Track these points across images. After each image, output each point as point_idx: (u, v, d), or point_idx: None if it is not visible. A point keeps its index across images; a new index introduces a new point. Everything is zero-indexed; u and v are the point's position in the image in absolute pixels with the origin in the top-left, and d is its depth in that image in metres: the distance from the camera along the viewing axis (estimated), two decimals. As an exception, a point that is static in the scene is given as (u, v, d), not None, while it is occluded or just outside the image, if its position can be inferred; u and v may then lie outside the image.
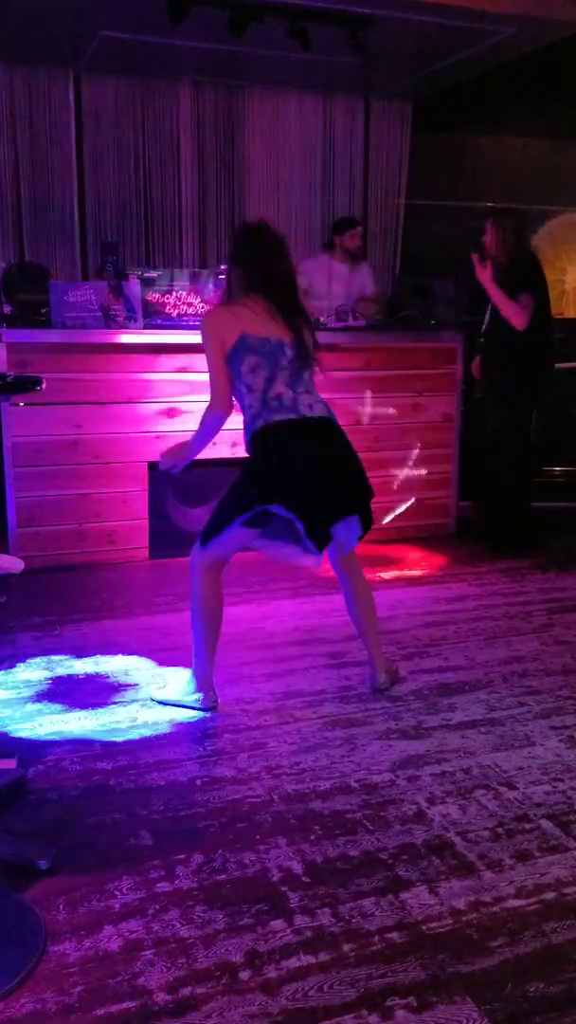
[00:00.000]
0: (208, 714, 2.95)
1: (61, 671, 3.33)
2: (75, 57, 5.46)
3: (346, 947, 1.83)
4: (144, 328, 4.75)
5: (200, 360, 4.76)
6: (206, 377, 4.97)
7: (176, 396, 4.79)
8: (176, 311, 4.86)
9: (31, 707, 3.01)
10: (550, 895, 2.01)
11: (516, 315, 4.70)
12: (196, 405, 4.83)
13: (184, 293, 4.88)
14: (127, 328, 4.69)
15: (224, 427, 5.11)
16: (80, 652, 3.52)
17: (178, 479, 4.97)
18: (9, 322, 4.63)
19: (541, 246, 7.18)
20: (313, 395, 2.92)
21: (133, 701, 3.06)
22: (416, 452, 5.36)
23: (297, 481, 2.77)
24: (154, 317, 4.82)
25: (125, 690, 3.16)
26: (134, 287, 4.77)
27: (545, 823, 2.30)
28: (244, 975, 1.76)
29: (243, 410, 2.96)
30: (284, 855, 2.15)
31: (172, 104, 5.98)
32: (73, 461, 4.65)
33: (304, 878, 2.06)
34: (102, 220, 5.90)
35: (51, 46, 5.27)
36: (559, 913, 1.95)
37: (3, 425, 4.50)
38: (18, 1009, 1.68)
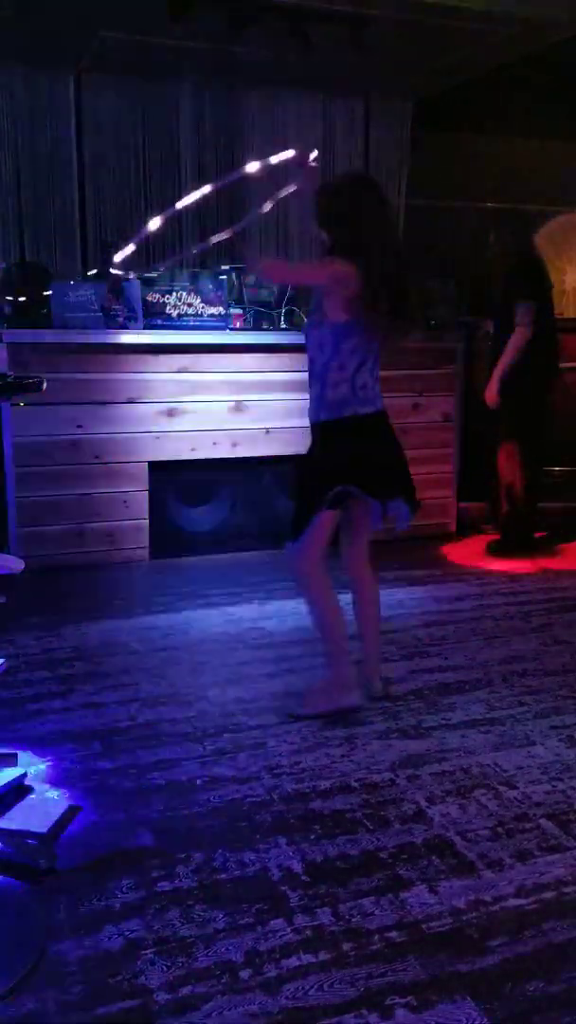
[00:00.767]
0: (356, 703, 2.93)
1: (61, 671, 3.33)
2: (75, 57, 5.46)
3: (346, 946, 1.84)
4: (144, 328, 4.75)
5: (200, 360, 4.82)
6: (206, 377, 5.01)
7: (176, 396, 4.79)
8: (176, 311, 4.86)
9: (31, 707, 3.01)
10: (550, 895, 2.01)
11: (520, 338, 4.70)
12: (196, 405, 4.84)
13: (184, 293, 4.88)
14: (127, 328, 4.69)
15: (224, 427, 5.12)
16: (80, 652, 3.52)
17: (178, 479, 4.98)
18: (9, 322, 4.64)
19: (541, 246, 7.18)
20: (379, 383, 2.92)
21: (133, 700, 3.06)
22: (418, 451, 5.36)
23: (372, 469, 2.88)
24: (154, 317, 4.82)
25: (125, 689, 3.16)
26: (134, 287, 4.77)
27: (545, 822, 2.30)
28: (244, 974, 1.76)
29: (323, 378, 2.84)
30: (284, 854, 2.15)
31: (172, 104, 5.98)
32: (73, 461, 4.65)
33: (304, 877, 2.06)
34: (102, 220, 5.90)
35: (51, 46, 5.27)
36: (559, 913, 1.95)
37: (3, 425, 4.50)
38: (18, 1008, 1.68)
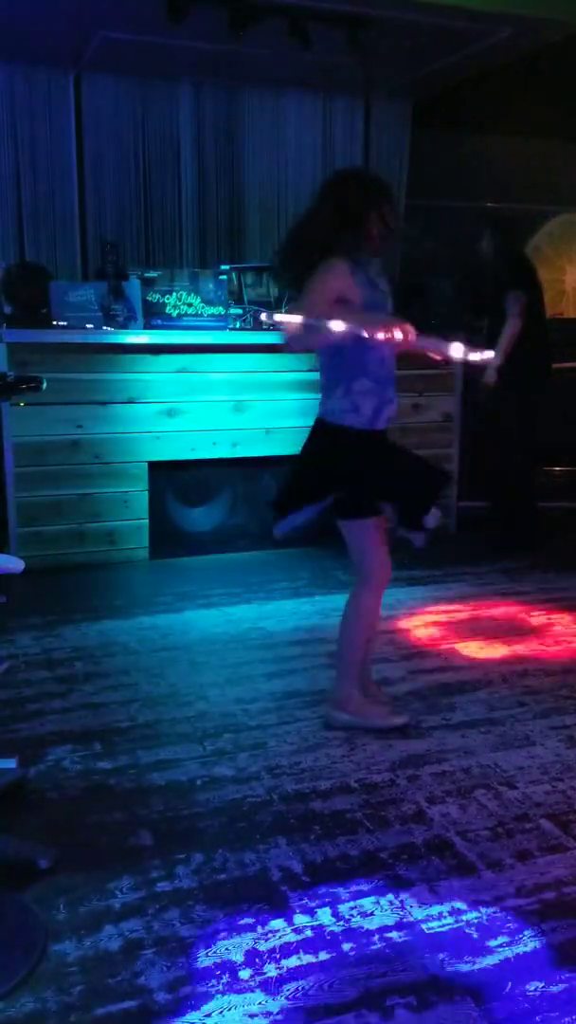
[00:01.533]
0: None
1: (61, 671, 3.33)
2: (75, 57, 5.46)
3: (346, 946, 1.84)
4: (144, 328, 4.75)
5: (200, 360, 4.82)
6: (206, 377, 5.01)
7: (176, 396, 4.79)
8: (176, 311, 4.86)
9: (31, 707, 3.01)
10: (550, 894, 2.01)
11: (514, 328, 4.79)
12: (196, 405, 4.84)
13: (184, 293, 4.88)
14: (127, 328, 4.69)
15: (224, 427, 5.13)
16: (80, 652, 3.52)
17: (178, 479, 4.98)
18: (9, 322, 4.63)
19: (541, 246, 7.19)
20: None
21: (133, 700, 3.06)
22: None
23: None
24: (154, 317, 4.82)
25: (125, 689, 3.16)
26: (134, 287, 4.77)
27: (545, 823, 2.30)
28: (244, 974, 1.76)
29: (349, 383, 2.74)
30: (284, 854, 2.15)
31: (172, 104, 5.98)
32: (73, 461, 4.65)
33: (304, 877, 2.06)
34: (102, 220, 5.90)
35: (51, 46, 5.27)
36: (559, 913, 1.95)
37: (3, 425, 4.50)
38: (19, 1008, 1.68)
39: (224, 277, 5.02)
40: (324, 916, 1.93)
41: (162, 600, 4.18)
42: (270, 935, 1.87)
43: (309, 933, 1.88)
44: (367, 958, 1.80)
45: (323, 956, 1.81)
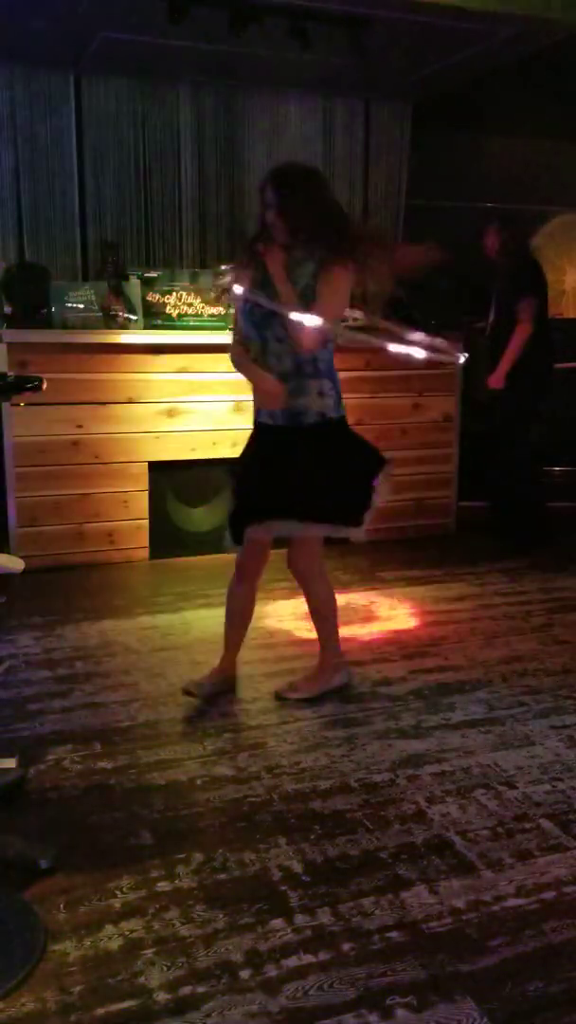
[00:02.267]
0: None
1: (61, 671, 3.33)
2: (75, 57, 5.45)
3: (346, 946, 1.84)
4: (144, 328, 4.75)
5: (200, 360, 4.82)
6: (206, 377, 5.01)
7: (176, 396, 4.79)
8: (176, 311, 4.86)
9: (31, 707, 3.01)
10: (550, 894, 2.01)
11: (523, 333, 4.86)
12: (196, 405, 4.84)
13: (184, 293, 4.88)
14: (127, 328, 4.69)
15: (224, 427, 5.14)
16: (80, 652, 3.52)
17: (178, 479, 4.98)
18: (9, 322, 4.63)
19: (541, 246, 7.18)
20: None
21: (133, 700, 3.06)
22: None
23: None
24: (154, 317, 4.82)
25: (125, 689, 3.16)
26: (134, 287, 4.77)
27: (545, 822, 2.30)
28: (244, 974, 1.76)
29: (329, 373, 2.93)
30: (284, 854, 2.15)
31: (172, 104, 5.97)
32: (73, 461, 4.65)
33: (304, 877, 2.06)
34: (102, 220, 5.89)
35: (51, 46, 5.26)
36: (559, 913, 1.95)
37: (3, 425, 4.50)
38: (19, 1008, 1.68)
39: (224, 279, 5.01)
40: (324, 916, 1.93)
41: (162, 600, 4.19)
42: (270, 935, 1.87)
43: (309, 933, 1.88)
44: (367, 958, 1.80)
45: (323, 956, 1.81)
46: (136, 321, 4.74)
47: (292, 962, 1.79)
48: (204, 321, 4.91)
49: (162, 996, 1.70)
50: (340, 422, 2.96)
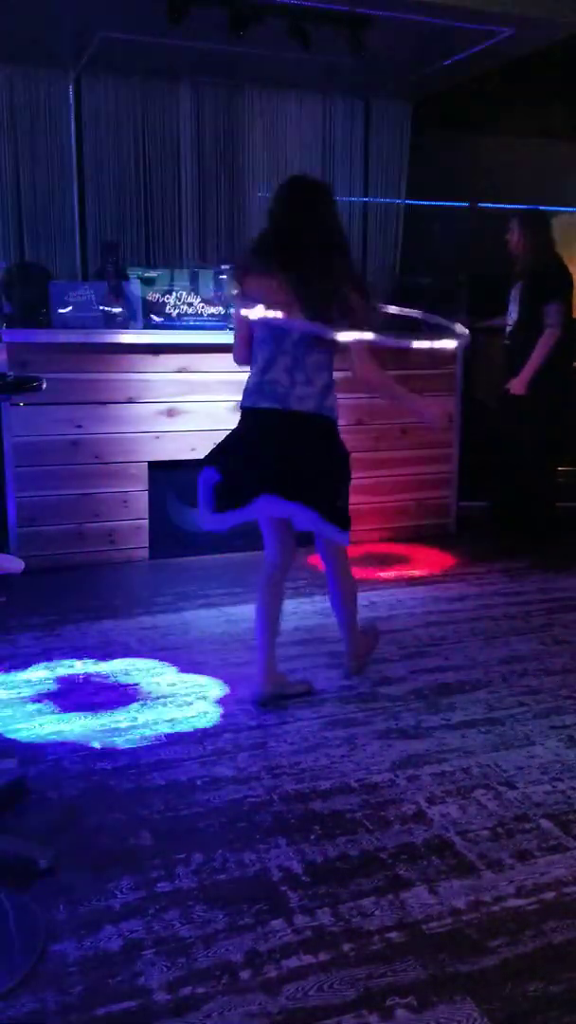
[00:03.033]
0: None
1: (61, 671, 3.33)
2: (75, 57, 5.45)
3: (346, 947, 1.84)
4: (144, 328, 4.75)
5: (200, 360, 4.82)
6: (206, 377, 5.01)
7: (176, 396, 4.79)
8: (176, 311, 4.86)
9: (31, 707, 3.01)
10: (550, 895, 2.01)
11: (551, 338, 4.85)
12: (196, 405, 4.84)
13: (184, 293, 4.88)
14: (127, 328, 4.69)
15: (224, 427, 5.13)
16: (80, 652, 3.52)
17: (178, 479, 4.98)
18: (9, 322, 4.63)
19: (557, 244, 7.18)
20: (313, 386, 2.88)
21: (133, 700, 3.06)
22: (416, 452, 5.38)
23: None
24: (154, 317, 4.82)
25: (125, 690, 3.16)
26: (134, 287, 4.77)
27: (545, 823, 2.30)
28: (244, 975, 1.76)
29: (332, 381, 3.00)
30: (284, 855, 2.15)
31: (172, 104, 5.97)
32: (73, 461, 4.65)
33: (304, 878, 2.06)
34: (102, 220, 5.89)
35: (51, 46, 5.26)
36: (559, 913, 1.95)
37: (3, 425, 4.50)
38: (18, 1008, 1.68)
39: (224, 277, 5.01)
40: (324, 916, 1.93)
41: (162, 600, 4.19)
42: (270, 935, 1.87)
43: (309, 933, 1.88)
44: (367, 958, 1.80)
45: (323, 956, 1.81)
46: (136, 321, 4.74)
47: (292, 962, 1.79)
48: (204, 321, 4.91)
49: (162, 996, 1.70)
50: (335, 424, 2.97)
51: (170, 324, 4.84)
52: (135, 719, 2.92)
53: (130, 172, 5.92)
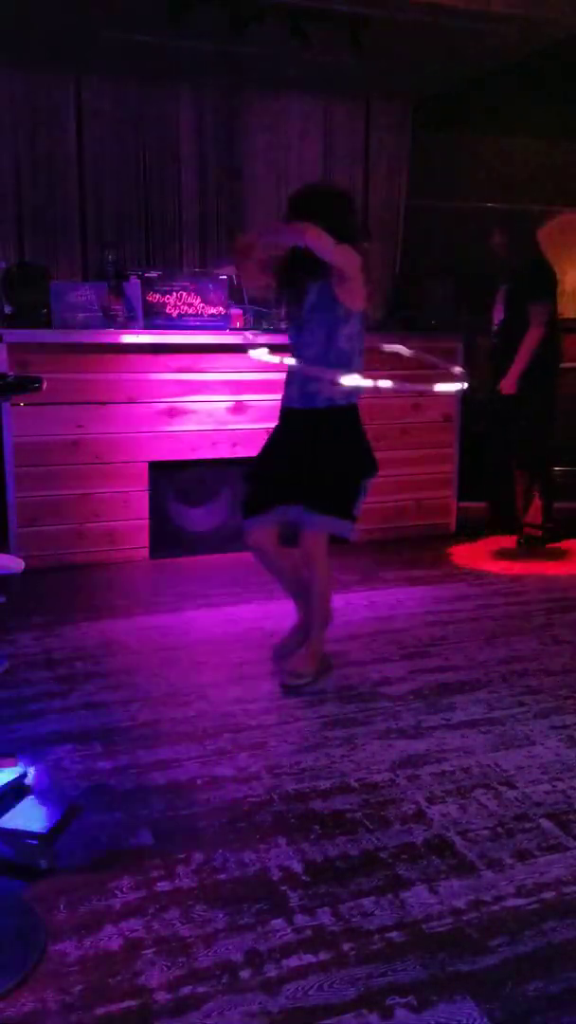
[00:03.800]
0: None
1: (61, 671, 3.33)
2: (75, 57, 5.45)
3: (346, 946, 1.83)
4: (144, 328, 4.75)
5: (200, 360, 4.82)
6: (206, 377, 5.02)
7: (176, 396, 4.79)
8: (176, 311, 4.86)
9: (31, 707, 3.01)
10: (550, 894, 2.01)
11: (535, 337, 4.88)
12: (196, 405, 4.84)
13: (184, 293, 4.88)
14: (127, 328, 4.69)
15: (224, 427, 5.15)
16: (80, 652, 3.52)
17: (178, 479, 4.98)
18: (9, 322, 4.63)
19: (541, 246, 7.17)
20: None
21: (133, 700, 3.06)
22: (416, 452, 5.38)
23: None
24: (154, 317, 4.82)
25: (125, 689, 3.16)
26: (134, 287, 4.77)
27: (545, 822, 2.30)
28: (244, 974, 1.76)
29: (342, 355, 3.03)
30: (284, 854, 2.15)
31: (172, 104, 5.97)
32: (73, 461, 4.65)
33: (304, 877, 2.06)
34: (102, 220, 5.89)
35: (51, 46, 5.27)
36: (559, 912, 1.95)
37: (3, 425, 4.50)
38: (19, 1008, 1.68)
39: (224, 277, 5.01)
40: (324, 916, 1.93)
41: (162, 600, 4.19)
42: (270, 935, 1.87)
43: (309, 933, 1.88)
44: (367, 958, 1.80)
45: (323, 956, 1.81)
46: (136, 321, 4.73)
47: (292, 962, 1.79)
48: (204, 321, 4.91)
49: (162, 996, 1.70)
50: (350, 409, 3.09)
51: (170, 324, 4.84)
52: (135, 719, 2.92)
53: (130, 172, 5.92)
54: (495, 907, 1.96)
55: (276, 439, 3.17)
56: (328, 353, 3.00)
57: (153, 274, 4.96)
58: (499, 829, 2.27)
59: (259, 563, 3.19)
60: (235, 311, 5.04)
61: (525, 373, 4.90)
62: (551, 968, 1.78)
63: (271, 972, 1.76)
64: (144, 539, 4.88)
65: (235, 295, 5.02)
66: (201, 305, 4.90)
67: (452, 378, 3.32)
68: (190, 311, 4.89)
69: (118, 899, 1.99)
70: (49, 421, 4.56)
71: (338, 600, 4.15)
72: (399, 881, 2.05)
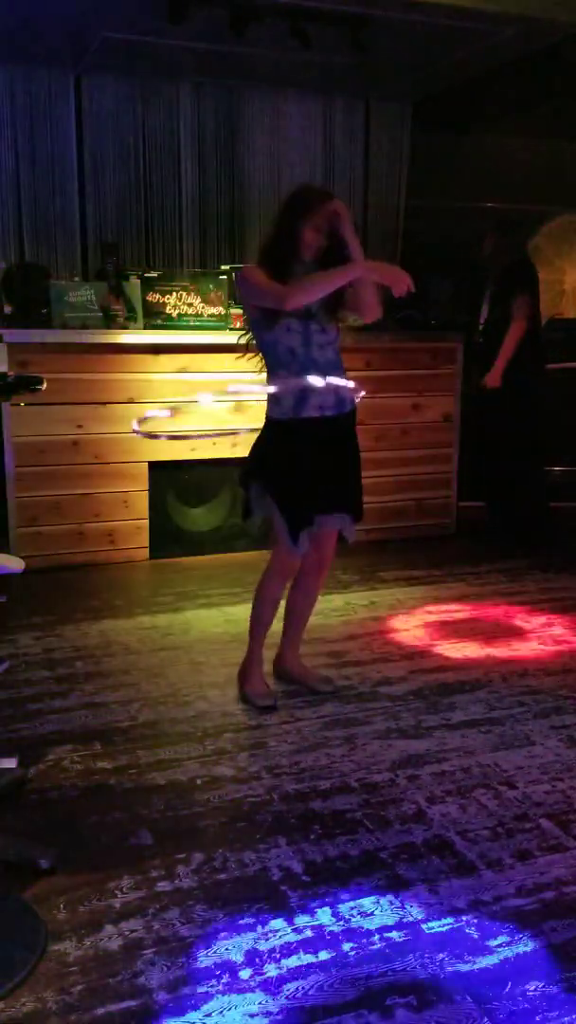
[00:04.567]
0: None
1: (61, 671, 3.33)
2: (75, 57, 5.45)
3: (346, 946, 1.84)
4: (144, 328, 4.75)
5: (200, 360, 4.82)
6: (206, 377, 5.02)
7: (176, 396, 4.79)
8: (176, 311, 4.86)
9: (31, 707, 3.01)
10: (550, 894, 2.01)
11: (518, 331, 4.93)
12: (196, 405, 4.83)
13: (184, 293, 4.88)
14: (127, 328, 4.69)
15: (224, 426, 5.13)
16: (80, 652, 3.52)
17: (178, 479, 4.98)
18: (9, 322, 4.63)
19: (541, 246, 7.17)
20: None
21: (133, 700, 3.06)
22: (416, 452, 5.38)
23: None
24: (154, 317, 4.82)
25: (125, 689, 3.16)
26: (134, 287, 4.77)
27: (545, 822, 2.30)
28: (244, 974, 1.76)
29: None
30: (284, 854, 2.15)
31: (172, 104, 5.97)
32: (73, 461, 4.65)
33: (304, 877, 2.06)
34: (102, 220, 5.89)
35: (51, 46, 5.26)
36: (559, 912, 1.95)
37: (3, 425, 4.50)
38: (19, 1008, 1.68)
39: (224, 277, 5.01)
40: (324, 916, 1.93)
41: (162, 600, 4.19)
42: (270, 935, 1.87)
43: (309, 933, 1.88)
44: (367, 958, 1.80)
45: (323, 956, 1.81)
46: (136, 321, 4.73)
47: (292, 962, 1.79)
48: (204, 321, 4.91)
49: (162, 996, 1.70)
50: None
51: (170, 324, 4.84)
52: (135, 718, 2.92)
53: (130, 172, 5.91)
54: (495, 907, 1.96)
55: (307, 451, 2.94)
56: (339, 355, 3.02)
57: (153, 274, 4.96)
58: (499, 829, 2.27)
59: (288, 577, 3.10)
60: (235, 311, 5.04)
61: (508, 370, 4.93)
62: (551, 968, 1.78)
63: (271, 972, 1.76)
64: (144, 539, 4.87)
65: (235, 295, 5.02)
66: (201, 305, 4.90)
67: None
68: (190, 311, 4.89)
69: (118, 899, 1.99)
70: (49, 421, 4.56)
71: (338, 600, 4.16)
72: (399, 881, 2.05)
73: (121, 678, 3.26)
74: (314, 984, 1.73)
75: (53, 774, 2.55)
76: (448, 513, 5.55)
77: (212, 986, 1.72)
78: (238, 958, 1.80)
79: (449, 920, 1.92)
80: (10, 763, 2.55)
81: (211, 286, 4.93)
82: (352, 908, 1.95)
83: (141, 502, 4.84)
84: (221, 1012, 1.66)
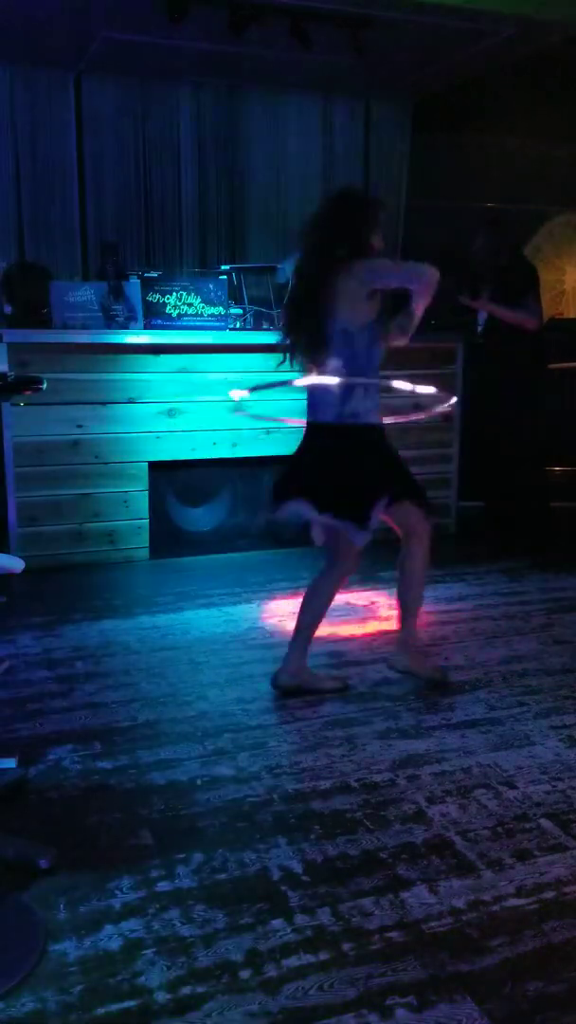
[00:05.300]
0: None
1: (61, 671, 3.33)
2: (75, 58, 5.46)
3: (346, 946, 1.83)
4: (144, 328, 4.75)
5: (200, 360, 4.82)
6: (206, 377, 5.02)
7: (176, 396, 4.79)
8: (176, 311, 4.87)
9: (31, 707, 3.01)
10: (550, 894, 2.01)
11: (528, 320, 4.87)
12: (196, 405, 4.84)
13: (184, 293, 4.88)
14: (127, 328, 4.69)
15: (224, 427, 5.15)
16: (80, 652, 3.52)
17: (178, 479, 4.98)
18: (9, 322, 4.64)
19: (541, 246, 7.18)
20: None
21: (133, 700, 3.06)
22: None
23: None
24: (154, 317, 4.82)
25: (125, 689, 3.16)
26: (134, 287, 4.77)
27: (545, 822, 2.30)
28: (244, 974, 1.76)
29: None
30: (284, 854, 2.15)
31: (172, 104, 5.98)
32: (73, 461, 4.65)
33: (304, 877, 2.06)
34: (102, 220, 5.90)
35: (51, 46, 5.27)
36: (559, 912, 1.95)
37: (3, 425, 4.50)
38: (19, 1008, 1.68)
39: (224, 277, 5.02)
40: (324, 915, 1.93)
41: (162, 600, 4.19)
42: (270, 935, 1.87)
43: (309, 933, 1.88)
44: (367, 958, 1.80)
45: (323, 956, 1.81)
46: (136, 321, 4.74)
47: (292, 962, 1.79)
48: (204, 321, 4.91)
49: (162, 996, 1.70)
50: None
51: (170, 324, 4.85)
52: (135, 718, 2.92)
53: (130, 172, 5.92)
54: (495, 907, 1.96)
55: (378, 455, 3.32)
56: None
57: (153, 274, 4.97)
58: (499, 829, 2.27)
59: (357, 561, 3.26)
60: (235, 311, 5.05)
61: (509, 372, 4.90)
62: (551, 968, 1.78)
63: (271, 972, 1.76)
64: (144, 539, 4.88)
65: (235, 295, 5.03)
66: (201, 305, 4.91)
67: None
68: (190, 311, 4.89)
69: (118, 899, 1.99)
70: (49, 421, 4.56)
71: (338, 600, 4.15)
72: (399, 881, 2.05)
73: (121, 678, 3.26)
74: (314, 984, 1.73)
75: (53, 774, 2.55)
76: (448, 513, 5.55)
77: (212, 986, 1.72)
78: (238, 958, 1.80)
79: (449, 919, 1.92)
80: (10, 763, 2.55)
81: (211, 286, 4.93)
82: (352, 908, 1.95)
83: (141, 502, 4.84)
84: (221, 1012, 1.66)
